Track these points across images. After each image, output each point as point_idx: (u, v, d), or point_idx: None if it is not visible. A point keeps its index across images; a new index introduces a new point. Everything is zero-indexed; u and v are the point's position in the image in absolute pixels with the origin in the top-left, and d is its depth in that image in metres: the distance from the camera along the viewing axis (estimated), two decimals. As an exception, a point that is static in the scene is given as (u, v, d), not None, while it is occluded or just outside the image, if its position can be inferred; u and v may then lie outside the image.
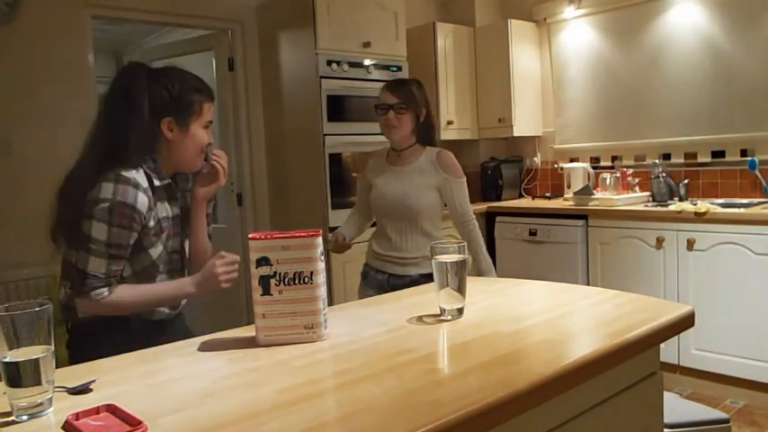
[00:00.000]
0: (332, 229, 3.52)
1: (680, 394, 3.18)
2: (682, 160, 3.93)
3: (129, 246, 1.54)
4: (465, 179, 2.40)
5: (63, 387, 1.06)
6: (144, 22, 3.78)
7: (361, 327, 1.40)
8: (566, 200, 4.14)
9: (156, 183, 1.59)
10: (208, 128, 1.67)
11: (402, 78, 2.46)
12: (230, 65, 3.86)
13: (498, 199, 4.48)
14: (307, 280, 1.29)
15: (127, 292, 1.55)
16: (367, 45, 3.67)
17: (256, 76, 3.92)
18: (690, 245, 3.31)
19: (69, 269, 1.58)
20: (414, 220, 2.37)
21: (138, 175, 1.54)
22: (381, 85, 3.81)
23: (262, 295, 1.29)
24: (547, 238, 3.88)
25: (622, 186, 3.95)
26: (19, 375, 0.95)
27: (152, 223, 1.56)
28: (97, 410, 0.95)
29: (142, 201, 1.52)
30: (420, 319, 1.42)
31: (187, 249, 1.73)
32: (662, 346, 1.39)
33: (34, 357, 0.96)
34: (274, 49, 3.80)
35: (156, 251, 1.60)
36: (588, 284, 3.61)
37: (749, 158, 3.54)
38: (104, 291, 1.53)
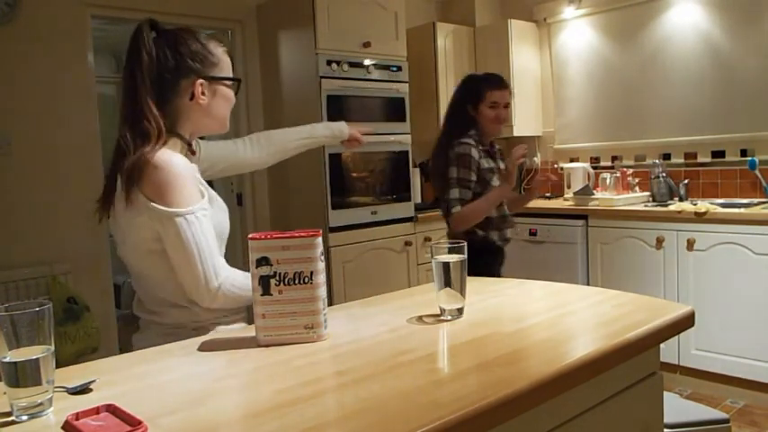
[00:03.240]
0: (332, 230, 3.53)
1: (680, 394, 3.19)
2: (682, 160, 3.93)
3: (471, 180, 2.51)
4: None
5: (63, 387, 1.06)
6: (144, 22, 3.77)
7: (361, 327, 1.40)
8: (566, 200, 4.14)
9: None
10: None
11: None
12: (230, 65, 3.86)
13: (498, 199, 4.48)
14: (307, 280, 1.29)
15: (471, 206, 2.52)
16: (367, 45, 3.67)
17: (256, 76, 3.91)
18: (690, 245, 3.31)
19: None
20: None
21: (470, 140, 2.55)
22: (381, 84, 3.81)
23: (262, 295, 1.29)
24: (547, 238, 3.88)
25: (622, 186, 3.95)
26: (19, 375, 0.95)
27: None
28: (97, 410, 0.95)
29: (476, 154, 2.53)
30: (420, 319, 1.42)
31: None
32: (662, 346, 1.39)
33: (34, 357, 0.95)
34: (274, 49, 3.80)
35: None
36: (588, 284, 3.61)
37: (749, 158, 3.55)
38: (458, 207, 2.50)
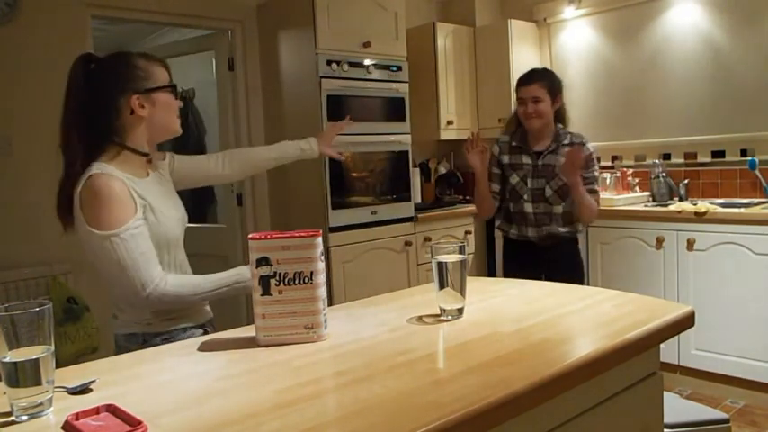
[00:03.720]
0: (332, 230, 3.53)
1: (680, 394, 3.19)
2: (682, 160, 3.93)
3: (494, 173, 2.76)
4: None
5: (63, 387, 1.06)
6: (144, 22, 3.78)
7: (361, 327, 1.40)
8: (566, 200, 4.14)
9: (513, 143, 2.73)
10: None
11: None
12: (230, 65, 3.86)
13: (498, 199, 4.48)
14: (307, 280, 1.29)
15: None
16: (367, 45, 3.67)
17: (256, 76, 3.91)
18: (690, 245, 3.31)
19: None
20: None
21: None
22: (381, 84, 3.85)
23: (262, 295, 1.30)
24: (547, 238, 3.88)
25: (622, 186, 3.95)
26: (19, 375, 0.95)
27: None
28: (97, 410, 0.95)
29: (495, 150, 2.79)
30: (420, 319, 1.42)
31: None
32: (662, 346, 1.39)
33: (34, 357, 0.96)
34: (274, 49, 3.80)
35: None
36: (588, 284, 3.61)
37: (749, 158, 3.54)
38: None
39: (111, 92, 1.60)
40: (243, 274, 1.62)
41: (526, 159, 2.68)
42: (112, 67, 1.62)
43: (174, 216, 1.69)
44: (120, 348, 1.63)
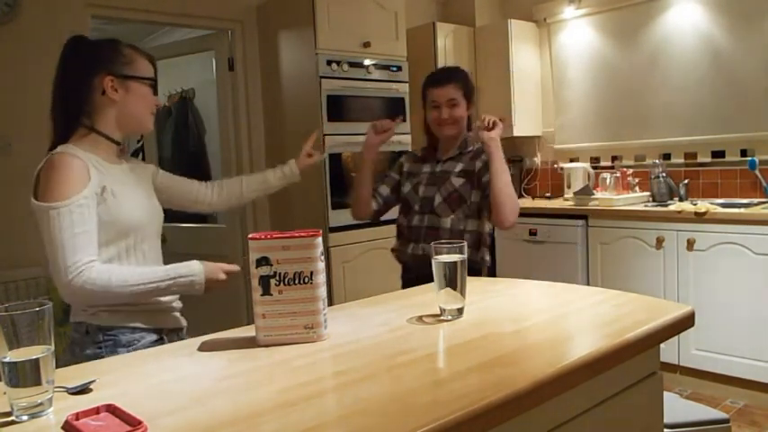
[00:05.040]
0: (332, 230, 3.54)
1: (680, 394, 3.18)
2: (682, 160, 3.93)
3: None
4: None
5: (63, 387, 1.06)
6: (144, 22, 3.78)
7: (361, 327, 1.40)
8: (566, 200, 4.14)
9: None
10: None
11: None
12: (230, 65, 3.86)
13: (498, 199, 4.47)
14: (307, 280, 1.29)
15: None
16: (367, 45, 3.67)
17: (256, 76, 3.91)
18: (690, 245, 3.31)
19: None
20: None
21: None
22: (381, 84, 3.83)
23: (262, 295, 1.30)
24: (547, 239, 3.88)
25: (622, 186, 3.95)
26: (19, 375, 0.95)
27: None
28: (97, 410, 0.95)
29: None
30: (420, 319, 1.42)
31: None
32: (662, 346, 1.39)
33: (34, 357, 0.96)
34: (274, 49, 3.80)
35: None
36: (588, 284, 3.61)
37: (749, 158, 3.55)
38: None
39: (87, 70, 1.58)
40: (191, 267, 1.53)
41: (426, 168, 2.32)
42: (97, 48, 1.61)
43: (140, 204, 1.62)
44: (70, 337, 1.58)
